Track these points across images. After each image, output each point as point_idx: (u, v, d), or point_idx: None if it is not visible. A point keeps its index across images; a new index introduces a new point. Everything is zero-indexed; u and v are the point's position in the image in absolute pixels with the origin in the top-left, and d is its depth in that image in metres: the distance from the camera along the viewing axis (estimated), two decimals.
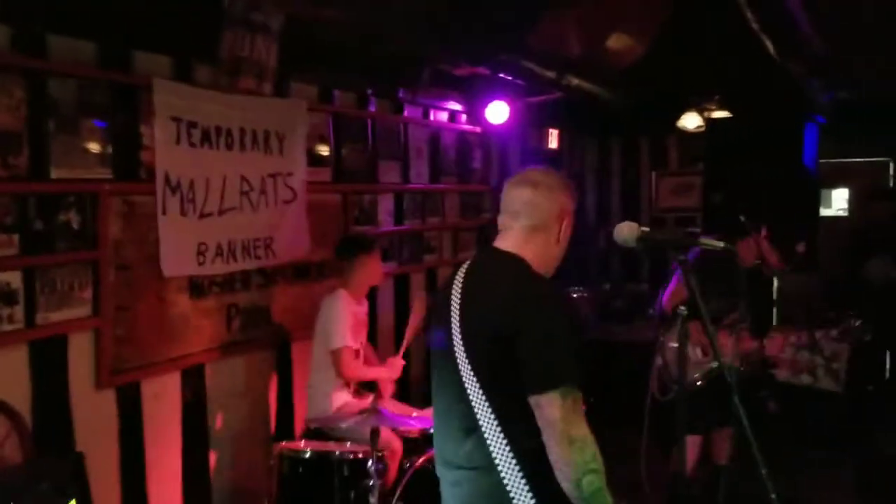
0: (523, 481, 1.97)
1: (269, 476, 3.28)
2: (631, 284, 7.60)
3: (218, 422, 4.15)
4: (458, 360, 2.05)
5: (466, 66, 5.35)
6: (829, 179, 6.85)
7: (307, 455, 3.30)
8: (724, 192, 5.74)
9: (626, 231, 2.23)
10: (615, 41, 5.47)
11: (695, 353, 4.46)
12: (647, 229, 2.22)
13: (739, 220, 4.24)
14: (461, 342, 2.06)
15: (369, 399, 4.10)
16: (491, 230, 6.74)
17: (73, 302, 3.33)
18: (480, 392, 2.00)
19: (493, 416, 1.99)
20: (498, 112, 5.96)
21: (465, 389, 2.03)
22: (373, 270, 4.19)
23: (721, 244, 2.42)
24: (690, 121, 6.69)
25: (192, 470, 3.98)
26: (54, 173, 3.25)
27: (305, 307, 4.55)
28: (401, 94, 5.52)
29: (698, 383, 4.31)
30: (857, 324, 4.20)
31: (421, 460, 3.47)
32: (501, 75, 5.22)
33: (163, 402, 3.81)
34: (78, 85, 3.34)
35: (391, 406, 3.87)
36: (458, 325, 2.09)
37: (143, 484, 3.70)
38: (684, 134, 7.11)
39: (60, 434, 3.31)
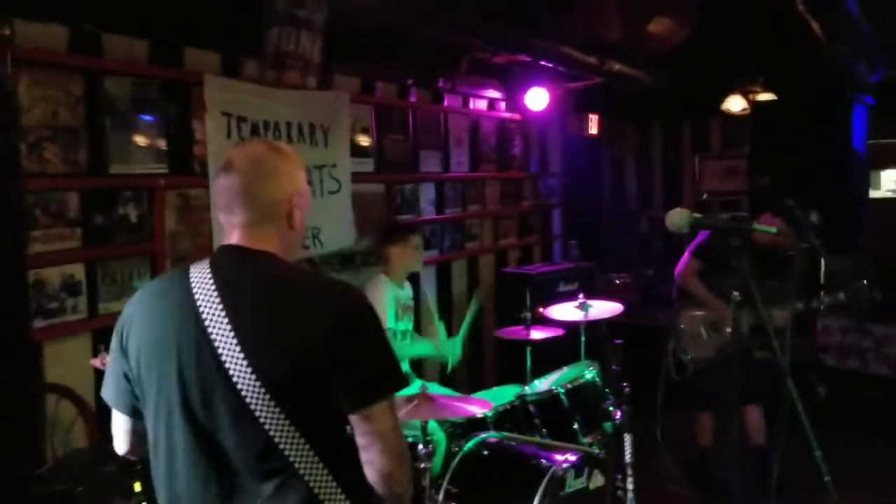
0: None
1: None
2: (673, 269, 7.56)
3: None
4: (248, 398, 1.59)
5: (506, 54, 5.37)
6: (878, 161, 6.73)
7: None
8: (771, 175, 5.69)
9: (677, 217, 2.25)
10: (656, 25, 5.44)
11: (703, 333, 4.51)
12: (699, 215, 2.24)
13: (786, 203, 4.22)
14: (249, 375, 1.59)
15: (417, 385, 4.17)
16: (532, 217, 6.79)
17: (133, 292, 3.43)
18: (287, 423, 1.60)
19: (307, 448, 1.62)
20: (537, 99, 5.97)
21: (264, 432, 1.60)
22: (408, 257, 4.26)
23: (774, 230, 2.43)
24: (735, 104, 6.63)
25: None
26: (112, 169, 3.37)
27: None
28: (440, 84, 5.55)
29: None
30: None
31: (468, 444, 3.52)
32: (541, 62, 5.23)
33: None
34: (132, 82, 3.45)
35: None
36: (235, 354, 1.60)
37: None
38: (728, 117, 7.05)
39: None
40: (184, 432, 1.66)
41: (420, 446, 3.23)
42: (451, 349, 4.33)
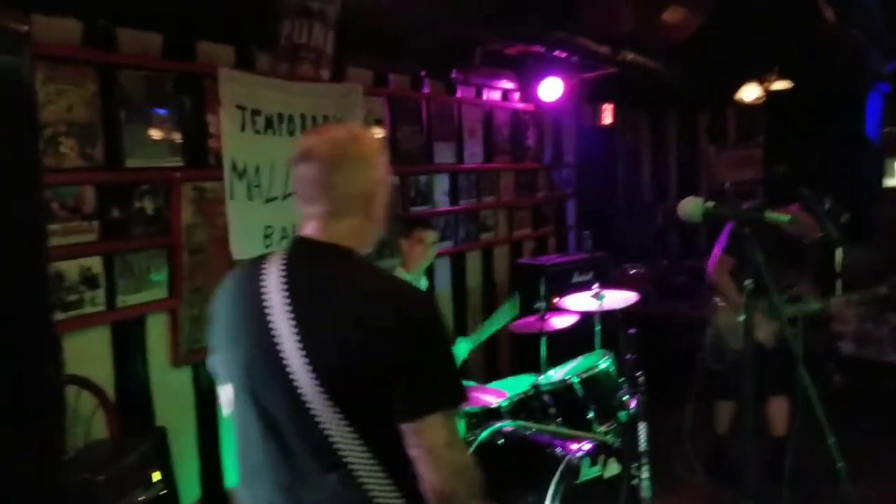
0: None
1: None
2: (689, 260, 7.53)
3: None
4: (304, 392, 1.60)
5: (519, 45, 5.36)
6: (893, 149, 6.68)
7: None
8: (786, 165, 5.66)
9: (690, 207, 2.24)
10: (671, 14, 5.41)
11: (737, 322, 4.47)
12: (711, 204, 2.23)
13: (802, 193, 4.20)
14: (308, 370, 1.60)
15: None
16: (546, 208, 6.78)
17: (150, 285, 3.49)
18: (342, 422, 1.60)
19: (364, 450, 1.61)
20: (551, 89, 5.95)
21: (319, 426, 1.61)
22: (417, 252, 4.25)
23: (787, 218, 2.42)
24: (749, 93, 6.59)
25: None
26: (128, 162, 3.39)
27: None
28: (454, 75, 5.55)
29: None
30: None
31: (483, 434, 3.54)
32: (555, 53, 5.21)
33: None
34: (147, 76, 3.47)
35: None
36: (296, 347, 1.61)
37: (218, 455, 3.85)
38: (743, 106, 7.01)
39: (142, 410, 3.48)
40: (255, 416, 1.70)
41: None
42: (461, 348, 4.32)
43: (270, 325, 1.65)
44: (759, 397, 4.45)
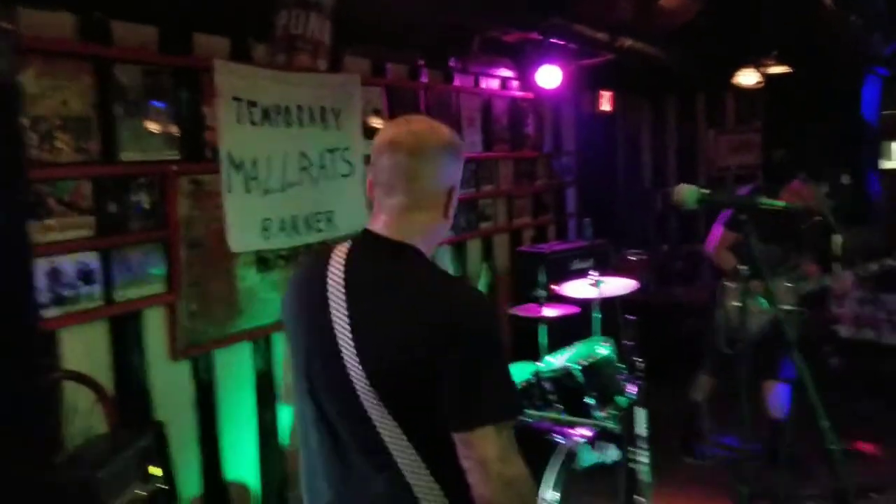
0: None
1: None
2: (688, 246, 7.53)
3: (288, 389, 4.29)
4: (358, 389, 1.60)
5: (517, 33, 5.34)
6: (890, 132, 6.66)
7: None
8: (785, 149, 5.65)
9: (685, 193, 2.24)
10: (668, 0, 5.39)
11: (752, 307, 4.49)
12: (706, 191, 2.22)
13: (800, 176, 4.20)
14: (360, 367, 1.59)
15: None
16: (545, 196, 6.77)
17: (148, 279, 3.49)
18: (397, 429, 1.59)
19: (413, 454, 1.59)
20: (549, 77, 5.92)
21: (371, 424, 1.60)
22: None
23: (782, 204, 2.42)
24: (748, 78, 6.56)
25: (265, 434, 4.14)
26: (124, 156, 3.38)
27: None
28: (452, 64, 5.53)
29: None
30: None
31: None
32: (552, 40, 5.20)
33: (235, 371, 3.96)
34: (142, 69, 3.45)
35: None
36: (350, 343, 1.61)
37: (218, 449, 3.87)
38: (741, 91, 6.98)
39: (141, 404, 3.48)
40: (311, 409, 1.71)
41: None
42: None
43: (328, 318, 1.64)
44: (754, 381, 4.57)
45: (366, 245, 1.72)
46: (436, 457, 1.60)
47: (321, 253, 1.79)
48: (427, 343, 1.55)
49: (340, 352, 1.61)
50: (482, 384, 1.55)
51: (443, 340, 1.54)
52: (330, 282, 1.68)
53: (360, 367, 1.59)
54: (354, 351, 1.60)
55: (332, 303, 1.65)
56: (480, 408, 1.55)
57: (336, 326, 1.63)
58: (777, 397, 4.53)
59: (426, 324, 1.56)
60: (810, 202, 4.20)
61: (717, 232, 4.55)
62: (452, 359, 1.54)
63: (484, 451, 1.54)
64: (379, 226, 1.71)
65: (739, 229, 4.37)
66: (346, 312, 1.63)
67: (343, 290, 1.65)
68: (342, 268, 1.69)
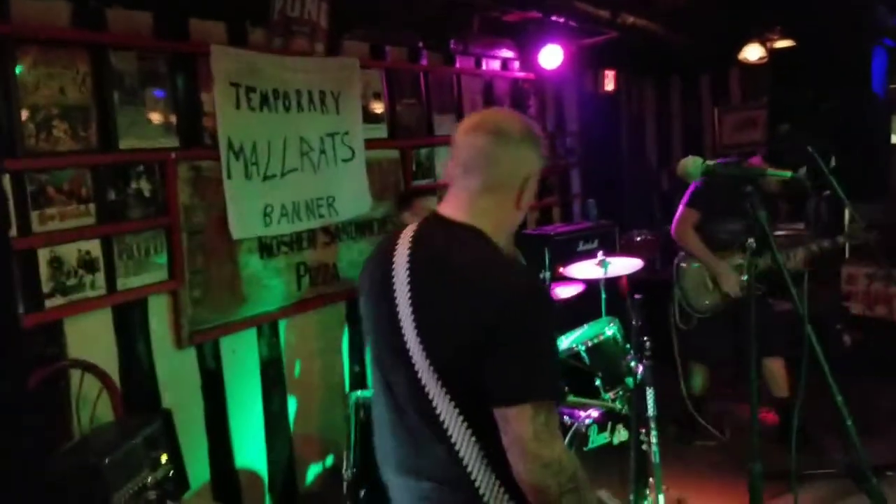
0: (505, 496, 1.68)
1: (346, 424, 3.39)
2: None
3: (294, 375, 4.29)
4: (415, 361, 1.68)
5: (517, 12, 5.28)
6: None
7: None
8: (791, 123, 5.57)
9: (689, 165, 2.21)
10: None
11: (707, 283, 4.53)
12: (711, 163, 2.19)
13: (806, 151, 4.14)
14: (418, 340, 1.68)
15: None
16: (550, 178, 6.72)
17: (150, 267, 3.47)
18: (448, 401, 1.66)
19: (465, 426, 1.66)
20: (551, 56, 5.88)
21: (426, 394, 1.68)
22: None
23: (788, 174, 2.38)
24: (752, 52, 6.48)
25: (272, 421, 4.13)
26: (122, 144, 3.36)
27: None
28: (452, 45, 5.48)
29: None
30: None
31: None
32: (553, 18, 5.14)
33: (241, 358, 3.95)
34: (138, 56, 3.43)
35: None
36: (410, 318, 1.70)
37: (227, 436, 3.86)
38: (746, 67, 6.90)
39: (147, 392, 3.48)
40: (380, 379, 1.82)
41: None
42: None
43: (393, 296, 1.73)
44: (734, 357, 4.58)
45: (433, 226, 1.79)
46: (486, 433, 1.64)
47: (393, 234, 1.86)
48: (479, 323, 1.60)
49: (402, 328, 1.70)
50: (524, 363, 1.60)
51: (493, 321, 1.59)
52: (395, 261, 1.76)
53: (419, 343, 1.67)
54: (414, 327, 1.68)
55: (396, 281, 1.74)
56: (519, 385, 1.60)
57: (399, 304, 1.72)
58: (778, 374, 4.52)
59: (479, 305, 1.61)
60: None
61: (680, 212, 4.54)
62: (500, 339, 1.59)
63: (520, 428, 1.58)
64: (449, 208, 1.79)
65: (702, 206, 4.42)
66: (408, 291, 1.71)
67: (407, 270, 1.73)
68: (408, 248, 1.77)
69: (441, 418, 1.67)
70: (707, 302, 4.57)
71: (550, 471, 1.59)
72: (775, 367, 4.53)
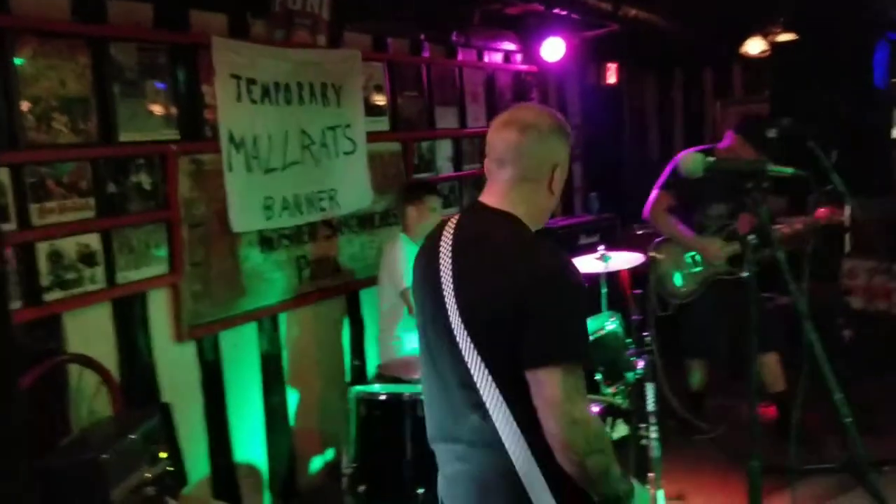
0: (533, 459, 1.80)
1: (347, 419, 3.38)
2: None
3: (295, 369, 4.28)
4: (455, 333, 1.85)
5: (519, 4, 5.26)
6: None
7: (382, 397, 3.38)
8: (793, 117, 5.55)
9: (692, 161, 2.20)
10: None
11: (684, 267, 4.57)
12: (713, 158, 2.19)
13: (808, 146, 4.12)
14: (458, 314, 1.86)
15: None
16: None
17: (150, 260, 3.46)
18: (483, 368, 1.82)
19: (498, 394, 1.81)
20: (553, 49, 5.85)
21: (465, 363, 1.84)
22: (424, 217, 4.21)
23: (790, 170, 2.36)
24: (754, 46, 6.45)
25: (272, 415, 4.13)
26: (123, 136, 3.34)
27: (371, 255, 4.65)
28: (454, 38, 5.45)
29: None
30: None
31: None
32: (555, 10, 5.11)
33: (241, 352, 3.94)
34: (139, 48, 3.41)
35: None
36: (452, 294, 1.88)
37: (226, 430, 3.86)
38: (749, 60, 6.87)
39: (146, 386, 3.47)
40: (426, 351, 2.00)
41: None
42: None
43: (438, 273, 1.92)
44: (730, 353, 4.59)
45: (473, 213, 2.01)
46: (517, 398, 1.78)
47: (440, 223, 2.07)
48: (512, 296, 1.76)
49: (445, 304, 1.88)
50: (554, 330, 1.76)
51: (525, 295, 1.75)
52: (441, 244, 1.96)
53: (459, 317, 1.84)
54: (455, 302, 1.86)
55: (441, 260, 1.93)
56: (548, 349, 1.75)
57: (443, 282, 1.90)
58: (774, 369, 4.52)
59: (511, 278, 1.79)
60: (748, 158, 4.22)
61: (654, 195, 4.55)
62: (532, 310, 1.75)
63: (551, 389, 1.73)
64: (487, 197, 1.98)
65: (675, 189, 4.44)
66: (451, 270, 1.90)
67: (450, 250, 1.93)
68: (452, 233, 1.97)
69: (477, 386, 1.82)
70: (683, 287, 4.60)
71: (579, 428, 1.73)
72: (771, 362, 4.54)
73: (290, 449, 4.27)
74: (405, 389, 3.37)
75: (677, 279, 4.65)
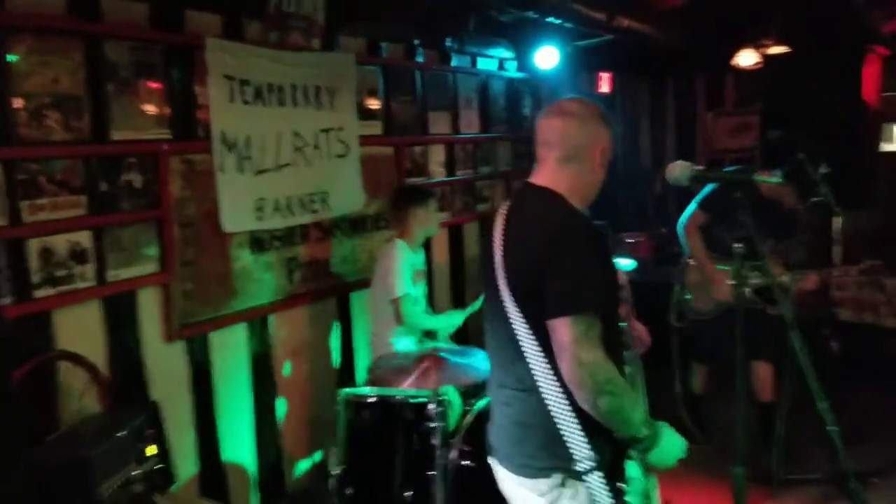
0: (566, 402, 2.04)
1: (335, 421, 3.38)
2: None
3: (284, 370, 4.28)
4: (502, 293, 2.13)
5: (514, 11, 5.28)
6: (891, 113, 6.59)
7: (371, 400, 3.39)
8: (783, 130, 5.59)
9: (678, 170, 2.23)
10: None
11: (707, 285, 4.58)
12: (700, 168, 2.22)
13: (798, 158, 4.16)
14: (504, 276, 2.13)
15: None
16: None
17: (141, 259, 3.46)
18: (524, 322, 2.08)
19: (536, 344, 2.06)
20: (547, 57, 5.88)
21: (509, 320, 2.11)
22: (427, 222, 4.20)
23: (776, 179, 2.39)
24: (746, 58, 6.50)
25: (261, 416, 4.13)
26: (115, 135, 3.34)
27: (363, 258, 4.65)
28: (448, 44, 5.48)
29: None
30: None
31: (480, 403, 3.54)
32: (549, 19, 5.14)
33: (231, 352, 3.94)
34: (133, 47, 3.41)
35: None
36: (500, 260, 2.16)
37: (215, 430, 3.86)
38: (741, 73, 6.92)
39: (135, 385, 3.47)
40: (486, 316, 2.30)
41: (431, 406, 3.25)
42: (451, 320, 4.31)
43: (492, 247, 2.20)
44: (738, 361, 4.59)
45: (523, 192, 2.31)
46: (553, 351, 2.02)
47: (503, 202, 2.34)
48: (535, 255, 2.06)
49: (495, 269, 2.16)
50: (565, 282, 2.00)
51: (543, 252, 2.04)
52: (497, 220, 2.26)
53: (504, 278, 2.12)
54: (502, 265, 2.14)
55: (494, 234, 2.22)
56: (562, 300, 2.00)
57: (494, 251, 2.19)
58: (765, 379, 4.54)
59: (536, 241, 2.08)
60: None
61: (692, 210, 4.56)
62: (548, 265, 2.02)
63: (562, 335, 1.98)
64: (535, 177, 2.26)
65: (711, 209, 4.43)
66: (501, 239, 2.19)
67: (503, 224, 2.22)
68: (505, 210, 2.27)
69: (519, 339, 2.09)
70: (704, 304, 4.59)
71: (587, 370, 1.95)
72: (763, 372, 4.55)
73: (279, 449, 4.26)
74: (394, 392, 3.38)
75: (701, 297, 4.62)
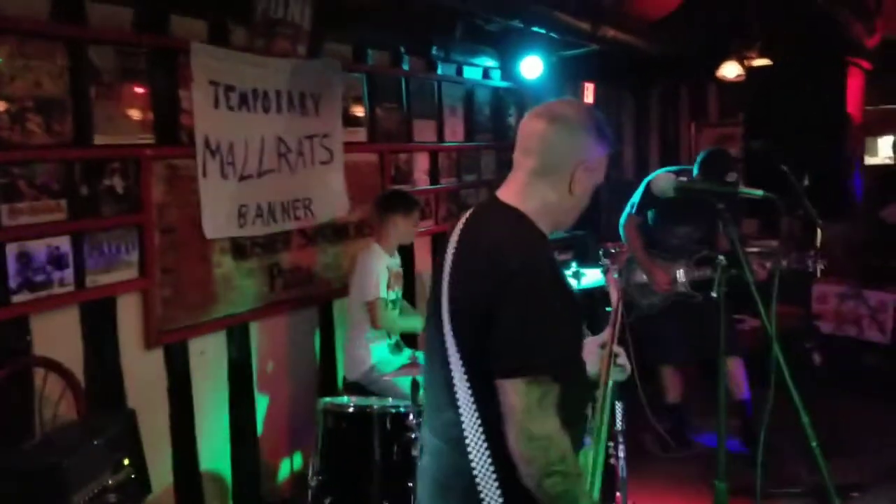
0: (491, 467, 1.74)
1: (314, 430, 3.36)
2: None
3: (263, 378, 4.25)
4: (444, 326, 1.81)
5: (499, 20, 5.29)
6: (875, 127, 6.65)
7: (350, 410, 3.37)
8: (766, 142, 5.62)
9: (662, 182, 2.24)
10: None
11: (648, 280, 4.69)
12: (684, 179, 2.23)
13: (781, 170, 4.18)
14: (447, 306, 1.82)
15: (407, 354, 4.19)
16: None
17: (121, 264, 3.42)
18: (461, 364, 1.77)
19: (469, 393, 1.76)
20: (532, 67, 5.88)
21: (448, 360, 1.80)
22: (405, 233, 4.21)
23: (760, 192, 2.40)
24: (730, 70, 6.53)
25: (239, 424, 4.09)
26: (97, 139, 3.30)
27: (345, 265, 4.63)
28: (434, 52, 5.48)
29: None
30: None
31: None
32: (535, 29, 5.15)
33: (210, 360, 3.91)
34: (117, 51, 3.38)
35: None
36: (446, 289, 1.84)
37: (192, 438, 3.82)
38: (724, 84, 6.96)
39: (112, 392, 3.42)
40: (426, 346, 1.98)
41: (410, 416, 3.23)
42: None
43: (441, 273, 1.88)
44: (694, 357, 4.68)
45: (484, 208, 1.98)
46: (487, 402, 1.73)
47: (460, 217, 2.01)
48: (482, 293, 1.73)
49: (441, 295, 1.85)
50: (514, 335, 1.69)
51: (491, 292, 1.71)
52: (452, 237, 1.92)
53: (448, 314, 1.80)
54: (447, 294, 1.83)
55: (447, 253, 1.89)
56: (510, 358, 1.68)
57: (443, 279, 1.86)
58: (733, 377, 4.56)
59: (486, 280, 1.73)
60: None
61: (627, 212, 4.92)
62: (497, 310, 1.70)
63: (513, 400, 1.67)
64: (502, 191, 1.92)
65: (643, 212, 4.56)
66: (450, 267, 1.86)
67: (454, 245, 1.89)
68: (460, 228, 1.92)
69: (454, 383, 1.78)
70: (648, 299, 4.72)
71: (538, 445, 1.66)
72: (735, 369, 4.60)
73: (256, 458, 4.23)
74: (373, 403, 3.37)
75: (641, 291, 4.76)
